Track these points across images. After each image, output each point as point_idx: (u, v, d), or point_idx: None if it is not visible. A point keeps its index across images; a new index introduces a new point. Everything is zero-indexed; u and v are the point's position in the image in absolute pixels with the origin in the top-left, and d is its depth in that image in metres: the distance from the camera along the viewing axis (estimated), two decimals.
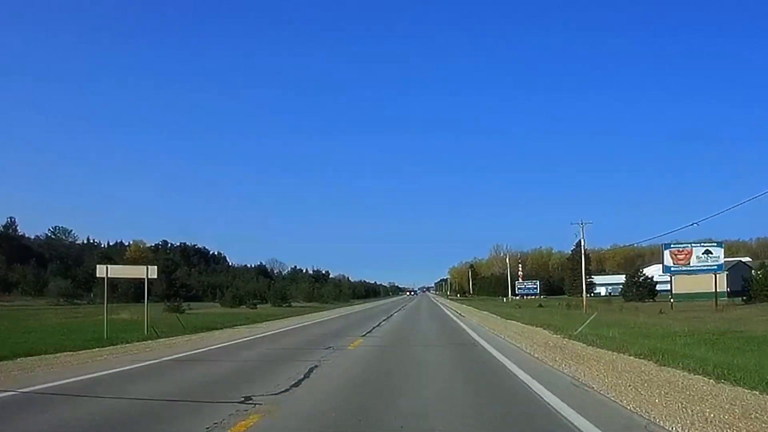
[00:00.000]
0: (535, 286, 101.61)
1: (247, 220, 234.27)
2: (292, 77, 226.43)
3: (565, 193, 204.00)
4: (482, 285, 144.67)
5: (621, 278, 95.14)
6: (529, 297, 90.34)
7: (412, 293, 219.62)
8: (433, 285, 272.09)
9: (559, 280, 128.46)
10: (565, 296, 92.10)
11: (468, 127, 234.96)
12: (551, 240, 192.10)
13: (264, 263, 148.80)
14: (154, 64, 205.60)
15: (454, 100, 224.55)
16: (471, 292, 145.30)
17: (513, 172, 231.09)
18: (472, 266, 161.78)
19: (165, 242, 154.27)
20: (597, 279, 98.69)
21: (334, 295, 77.52)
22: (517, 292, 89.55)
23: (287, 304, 54.09)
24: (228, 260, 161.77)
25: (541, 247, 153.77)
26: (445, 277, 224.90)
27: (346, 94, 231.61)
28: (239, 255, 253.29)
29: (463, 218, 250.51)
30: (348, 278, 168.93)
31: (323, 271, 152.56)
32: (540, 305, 55.21)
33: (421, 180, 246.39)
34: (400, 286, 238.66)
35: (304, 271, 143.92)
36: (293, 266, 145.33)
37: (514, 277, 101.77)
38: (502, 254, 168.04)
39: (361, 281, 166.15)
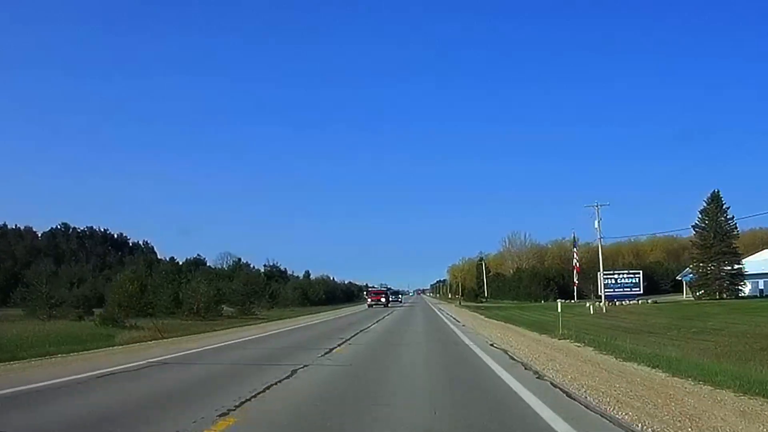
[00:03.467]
0: (634, 281, 56.27)
1: (210, 211, 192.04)
2: (289, 66, 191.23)
3: (579, 182, 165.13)
4: (499, 285, 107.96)
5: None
6: (625, 302, 48.31)
7: (391, 299, 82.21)
8: (429, 287, 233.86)
9: None
10: (684, 296, 51.67)
11: (465, 117, 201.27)
12: (568, 231, 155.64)
13: (202, 256, 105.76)
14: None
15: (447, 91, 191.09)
16: (486, 294, 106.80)
17: (515, 163, 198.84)
18: (481, 260, 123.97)
19: (66, 226, 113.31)
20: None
21: (233, 300, 35.76)
22: (603, 292, 45.94)
23: None
24: (156, 252, 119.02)
25: (564, 238, 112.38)
26: (443, 278, 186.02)
27: (337, 81, 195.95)
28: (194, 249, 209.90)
29: (461, 213, 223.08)
30: (333, 279, 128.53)
31: (282, 269, 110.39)
32: None
33: (419, 179, 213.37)
34: (392, 288, 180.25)
35: (253, 267, 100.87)
36: (237, 259, 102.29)
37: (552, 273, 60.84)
38: (516, 247, 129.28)
39: (324, 279, 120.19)
